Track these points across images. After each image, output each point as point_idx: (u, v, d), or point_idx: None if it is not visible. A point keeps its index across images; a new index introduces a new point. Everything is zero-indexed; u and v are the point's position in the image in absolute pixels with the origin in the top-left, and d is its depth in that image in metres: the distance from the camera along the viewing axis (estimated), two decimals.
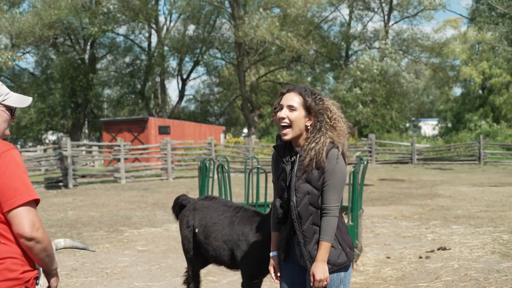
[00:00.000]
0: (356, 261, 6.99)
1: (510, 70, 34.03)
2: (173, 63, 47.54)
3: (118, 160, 21.42)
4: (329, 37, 42.03)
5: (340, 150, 2.90)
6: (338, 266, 2.96)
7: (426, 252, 7.67)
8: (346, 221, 6.27)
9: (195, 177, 22.82)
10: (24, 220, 2.25)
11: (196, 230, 4.44)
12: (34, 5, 33.30)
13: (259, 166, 7.25)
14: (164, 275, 6.86)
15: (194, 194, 16.16)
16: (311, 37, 37.59)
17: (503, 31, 26.19)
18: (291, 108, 2.90)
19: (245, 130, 51.61)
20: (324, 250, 2.89)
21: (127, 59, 42.88)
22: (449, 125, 37.60)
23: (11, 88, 40.34)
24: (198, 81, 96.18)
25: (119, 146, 21.59)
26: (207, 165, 7.36)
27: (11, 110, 2.52)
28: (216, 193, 7.37)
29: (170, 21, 43.22)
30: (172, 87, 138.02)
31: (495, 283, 6.02)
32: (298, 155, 2.93)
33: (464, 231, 9.24)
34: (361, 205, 7.39)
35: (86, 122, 42.00)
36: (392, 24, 41.06)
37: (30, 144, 41.23)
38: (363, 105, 34.10)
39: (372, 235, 8.96)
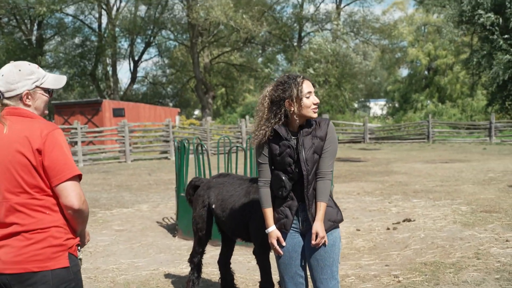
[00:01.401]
0: None
1: (455, 52, 35.34)
2: (124, 44, 46.69)
3: (75, 143, 21.11)
4: (282, 18, 42.28)
5: None
6: (337, 223, 3.34)
7: (393, 224, 8.08)
8: None
9: (154, 159, 22.82)
10: (72, 193, 2.48)
11: (213, 206, 4.56)
12: None
13: (238, 145, 7.51)
14: (147, 252, 7.00)
15: (156, 175, 16.27)
16: (264, 19, 37.74)
17: (450, 13, 27.15)
18: (312, 93, 3.30)
19: (196, 112, 51.55)
20: (322, 210, 3.23)
21: (77, 40, 41.75)
22: (397, 105, 38.79)
23: None
24: (150, 62, 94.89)
25: (75, 129, 21.30)
26: (186, 145, 7.55)
27: (49, 91, 2.72)
28: (191, 174, 7.51)
29: (121, 1, 42.37)
30: (123, 69, 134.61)
31: (460, 249, 6.52)
32: (302, 131, 3.27)
33: (424, 204, 9.72)
34: None
35: None
36: (344, 6, 41.71)
37: None
38: (316, 85, 34.71)
39: None
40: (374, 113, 48.54)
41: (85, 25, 41.72)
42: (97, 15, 41.71)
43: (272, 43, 42.37)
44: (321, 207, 3.22)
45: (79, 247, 2.64)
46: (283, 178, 3.26)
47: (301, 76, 3.28)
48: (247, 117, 30.01)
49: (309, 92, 3.25)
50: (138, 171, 18.13)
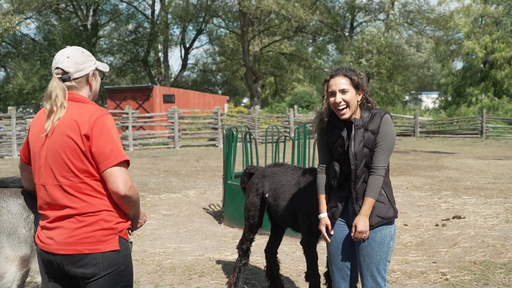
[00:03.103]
0: None
1: None
2: (176, 31, 47.22)
3: (126, 127, 21.60)
4: (334, 7, 41.71)
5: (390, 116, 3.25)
6: (387, 220, 3.24)
7: (442, 220, 7.88)
8: None
9: (202, 146, 23.09)
10: (118, 179, 2.49)
11: (266, 195, 4.60)
12: None
13: (286, 135, 7.43)
14: (193, 237, 7.08)
15: (204, 162, 16.44)
16: (316, 8, 37.34)
17: (510, 3, 26.04)
18: (343, 91, 3.19)
19: (245, 100, 51.66)
20: (368, 205, 3.18)
21: (130, 27, 42.49)
22: (450, 98, 37.66)
23: (12, 53, 40.26)
24: (201, 50, 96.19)
25: (127, 113, 21.76)
26: (234, 133, 7.53)
27: (103, 73, 2.83)
28: (239, 162, 7.53)
29: None
30: (175, 56, 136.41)
31: None
32: (354, 124, 3.22)
33: (476, 201, 9.45)
34: None
35: None
36: None
37: (31, 110, 41.15)
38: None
39: None
40: (426, 106, 47.33)
41: (138, 11, 42.38)
42: (150, 2, 42.34)
43: (323, 33, 41.89)
44: (367, 201, 3.18)
45: (130, 231, 2.67)
46: (336, 168, 3.28)
47: (331, 74, 3.26)
48: (295, 106, 29.87)
49: (332, 92, 3.21)
50: (186, 157, 18.33)
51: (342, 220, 3.34)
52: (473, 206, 9.00)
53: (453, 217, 8.04)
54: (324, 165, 3.39)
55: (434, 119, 31.66)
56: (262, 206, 4.70)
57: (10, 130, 19.01)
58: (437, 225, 7.61)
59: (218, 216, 8.26)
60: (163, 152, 20.32)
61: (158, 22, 40.83)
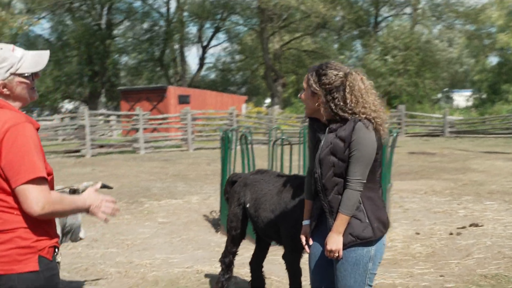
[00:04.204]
0: None
1: None
2: (193, 29, 46.26)
3: (137, 130, 20.86)
4: (357, 2, 40.16)
5: (369, 123, 2.90)
6: (362, 240, 2.95)
7: (457, 228, 7.35)
8: None
9: (217, 148, 21.87)
10: (29, 199, 2.29)
11: (248, 205, 4.38)
12: None
13: (283, 138, 7.05)
14: (185, 247, 6.79)
15: (215, 165, 15.36)
16: (338, 2, 35.86)
17: None
18: (303, 88, 3.07)
19: (267, 100, 50.33)
20: (339, 221, 2.92)
21: (145, 25, 41.67)
22: (484, 96, 35.73)
23: None
24: (219, 48, 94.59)
25: (137, 115, 20.94)
26: (230, 136, 7.23)
27: (30, 75, 2.47)
28: (239, 166, 7.19)
29: None
30: (192, 55, 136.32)
31: None
32: (330, 126, 2.97)
33: (498, 207, 8.84)
34: (389, 179, 7.22)
35: (103, 90, 41.06)
36: None
37: (46, 113, 40.63)
38: (394, 74, 32.43)
39: (401, 210, 8.73)
40: (457, 104, 45.39)
41: (153, 9, 41.46)
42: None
43: (346, 29, 40.35)
44: (338, 217, 2.93)
45: (56, 249, 2.48)
46: (315, 175, 3.04)
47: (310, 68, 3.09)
48: None
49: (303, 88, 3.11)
50: (198, 160, 17.63)
51: (320, 233, 3.10)
52: (494, 213, 8.38)
53: (470, 225, 7.52)
54: (312, 169, 3.17)
55: (465, 118, 29.97)
56: (244, 216, 4.49)
57: None
58: (451, 233, 7.11)
59: (217, 224, 7.92)
60: (175, 155, 19.53)
61: (174, 20, 39.84)
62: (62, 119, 24.98)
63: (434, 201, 9.54)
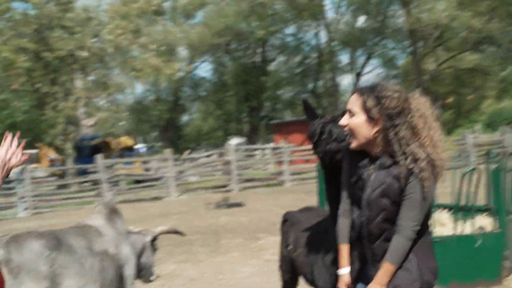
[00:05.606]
0: (506, 276, 5.84)
1: None
2: (344, 58, 46.20)
3: (282, 162, 21.07)
4: None
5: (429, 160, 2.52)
6: None
7: None
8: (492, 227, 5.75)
9: None
10: None
11: (290, 247, 4.12)
12: (206, 15, 34.79)
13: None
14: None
15: None
16: (496, 13, 33.08)
17: None
18: (350, 112, 2.64)
19: None
20: (383, 271, 2.61)
21: (297, 59, 42.68)
22: None
23: (190, 97, 43.16)
24: (372, 74, 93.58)
25: (281, 148, 21.28)
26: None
27: None
28: None
29: (338, 14, 41.87)
30: (345, 83, 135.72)
31: None
32: (379, 161, 2.60)
33: None
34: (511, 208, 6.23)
35: (261, 125, 42.74)
36: None
37: (203, 150, 43.36)
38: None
39: None
40: None
41: (303, 43, 42.35)
42: (315, 32, 42.06)
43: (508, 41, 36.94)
44: (383, 266, 2.60)
45: None
46: (353, 216, 2.75)
47: (355, 88, 2.72)
48: (479, 126, 26.30)
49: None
50: None
51: (363, 283, 2.76)
52: None
53: None
54: (348, 207, 2.80)
55: None
56: (292, 258, 4.09)
57: (169, 172, 19.44)
58: None
59: None
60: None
61: (324, 51, 40.30)
62: (208, 155, 25.21)
63: None
